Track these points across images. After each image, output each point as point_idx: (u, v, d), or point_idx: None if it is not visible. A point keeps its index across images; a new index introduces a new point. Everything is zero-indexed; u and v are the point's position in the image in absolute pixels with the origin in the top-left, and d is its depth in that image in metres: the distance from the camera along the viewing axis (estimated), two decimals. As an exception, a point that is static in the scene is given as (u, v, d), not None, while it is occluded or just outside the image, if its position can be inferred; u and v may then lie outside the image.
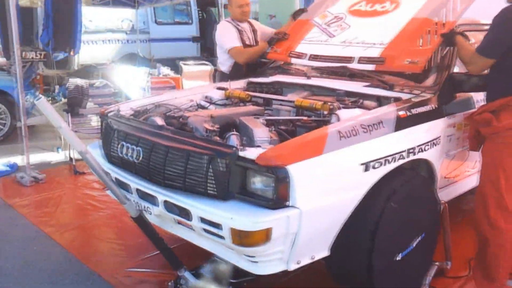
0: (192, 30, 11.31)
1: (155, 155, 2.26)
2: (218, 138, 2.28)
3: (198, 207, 2.05)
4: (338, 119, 2.45)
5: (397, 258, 2.32)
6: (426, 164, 2.58)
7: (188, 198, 2.12)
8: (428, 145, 2.48)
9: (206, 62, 7.36)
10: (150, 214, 2.34)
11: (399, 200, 2.27)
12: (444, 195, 2.83)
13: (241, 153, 2.02)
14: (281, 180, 1.92)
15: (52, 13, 5.33)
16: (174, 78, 6.63)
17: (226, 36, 3.99)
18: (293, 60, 3.47)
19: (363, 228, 2.19)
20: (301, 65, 3.47)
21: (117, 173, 2.48)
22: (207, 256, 2.62)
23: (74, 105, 5.06)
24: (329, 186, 2.07)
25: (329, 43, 3.34)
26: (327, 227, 2.11)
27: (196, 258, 2.58)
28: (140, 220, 2.35)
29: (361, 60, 3.03)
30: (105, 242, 3.41)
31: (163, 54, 9.65)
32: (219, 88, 3.34)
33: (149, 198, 2.31)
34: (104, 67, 8.28)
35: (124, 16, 9.97)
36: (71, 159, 5.10)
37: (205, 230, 2.07)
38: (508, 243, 2.36)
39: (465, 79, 2.73)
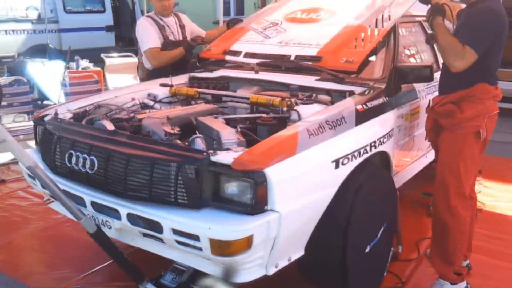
0: (106, 18, 10.70)
1: (113, 164, 2.06)
2: (179, 142, 2.14)
3: (170, 219, 1.91)
4: (299, 115, 2.42)
5: (367, 251, 2.37)
6: (382, 156, 2.65)
7: (156, 209, 1.96)
8: (385, 138, 2.54)
9: (130, 54, 6.96)
10: (110, 228, 2.14)
11: (366, 194, 2.31)
12: (396, 182, 2.93)
13: (212, 158, 1.91)
14: (259, 184, 1.85)
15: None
16: (95, 71, 6.21)
17: (143, 35, 3.76)
18: (228, 57, 3.40)
19: (335, 225, 2.19)
20: (235, 62, 3.38)
21: (65, 185, 2.24)
22: (165, 263, 2.49)
23: (-14, 106, 4.53)
24: (304, 186, 2.03)
25: (265, 43, 3.34)
26: (303, 227, 2.09)
27: (151, 266, 2.44)
28: (98, 235, 2.15)
29: (298, 58, 3.05)
30: (44, 256, 3.10)
31: (76, 45, 9.00)
32: (162, 85, 3.16)
33: (108, 211, 2.12)
34: (10, 60, 7.54)
35: (29, 3, 9.14)
36: (-14, 165, 4.58)
37: (179, 242, 1.94)
38: (466, 228, 2.51)
39: (409, 70, 2.83)
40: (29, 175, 2.49)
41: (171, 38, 3.79)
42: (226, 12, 14.07)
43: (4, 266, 2.98)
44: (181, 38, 3.86)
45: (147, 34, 3.72)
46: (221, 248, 1.82)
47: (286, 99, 2.50)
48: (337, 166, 2.16)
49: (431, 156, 3.69)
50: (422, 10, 3.93)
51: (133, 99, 2.95)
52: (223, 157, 1.90)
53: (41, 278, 2.87)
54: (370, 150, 2.39)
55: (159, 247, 2.11)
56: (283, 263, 2.06)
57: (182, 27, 3.92)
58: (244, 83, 3.08)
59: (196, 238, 1.86)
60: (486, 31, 2.33)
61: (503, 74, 7.21)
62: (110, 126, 2.34)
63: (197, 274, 2.50)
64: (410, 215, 3.62)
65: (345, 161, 2.20)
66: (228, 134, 2.09)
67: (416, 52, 3.57)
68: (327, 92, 2.77)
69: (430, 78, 2.77)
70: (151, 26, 3.74)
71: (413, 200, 3.94)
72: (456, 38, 2.36)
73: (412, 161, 3.28)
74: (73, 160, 2.20)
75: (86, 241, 3.01)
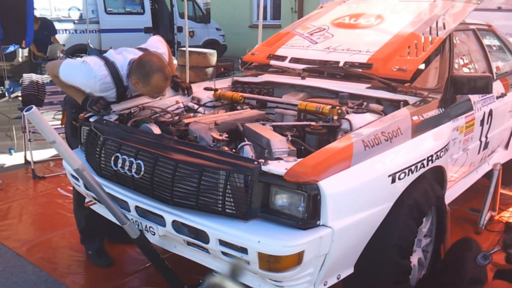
0: (145, 20, 10.82)
1: (160, 170, 2.00)
2: (227, 149, 2.07)
3: (217, 229, 1.83)
4: (350, 125, 2.32)
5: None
6: (436, 171, 2.50)
7: (203, 218, 1.89)
8: (442, 151, 2.40)
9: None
10: (154, 234, 2.09)
11: (419, 211, 2.18)
12: (446, 198, 2.78)
13: (264, 168, 1.82)
14: (312, 197, 1.75)
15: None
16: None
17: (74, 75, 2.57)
18: (272, 62, 3.31)
19: (388, 242, 2.06)
20: (280, 67, 3.28)
21: (110, 188, 2.20)
22: (202, 270, 2.42)
23: (30, 103, 4.58)
24: (358, 201, 1.92)
25: (311, 49, 3.23)
26: (355, 244, 1.97)
27: (188, 271, 2.37)
28: (141, 241, 2.10)
29: (347, 64, 2.93)
30: (82, 256, 3.08)
31: (115, 46, 9.11)
32: (206, 89, 3.11)
33: (153, 217, 2.06)
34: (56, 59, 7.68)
35: (72, 4, 9.32)
36: (28, 161, 4.64)
37: (225, 254, 1.85)
38: None
39: (466, 81, 2.69)
40: (72, 175, 2.47)
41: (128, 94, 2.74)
42: (263, 16, 14.07)
43: (42, 263, 2.98)
44: None
45: (76, 76, 2.56)
46: (270, 263, 1.73)
47: (337, 107, 2.40)
48: (393, 181, 2.04)
49: (481, 171, 3.51)
50: (476, 18, 3.79)
51: (177, 102, 2.91)
52: (275, 167, 1.81)
53: (78, 278, 2.86)
54: (427, 165, 2.25)
55: (203, 257, 2.03)
56: (332, 281, 1.95)
57: None
58: (290, 89, 2.99)
59: (244, 251, 1.77)
60: None
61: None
62: (156, 130, 2.29)
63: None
64: (457, 232, 3.44)
65: (402, 175, 2.08)
66: (279, 143, 2.00)
67: (469, 61, 3.40)
68: (378, 101, 2.65)
69: (487, 90, 2.62)
70: (95, 86, 2.52)
71: (459, 218, 3.76)
72: None
73: (464, 176, 3.12)
74: (119, 163, 2.15)
75: (125, 244, 3.03)
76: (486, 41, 3.78)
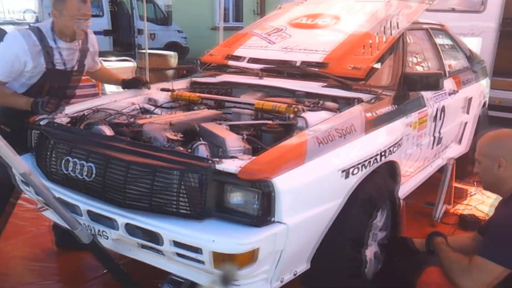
0: (103, 23, 10.62)
1: (112, 172, 1.95)
2: (182, 149, 2.04)
3: (171, 230, 1.81)
4: (306, 123, 2.34)
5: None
6: (389, 165, 2.56)
7: (156, 220, 1.85)
8: (395, 147, 2.46)
9: (129, 58, 6.88)
10: (107, 238, 2.03)
11: (373, 205, 2.22)
12: (401, 192, 2.85)
13: (218, 166, 1.81)
14: (266, 194, 1.75)
15: None
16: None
17: (4, 59, 2.54)
18: (231, 63, 3.31)
19: (342, 237, 2.09)
20: (239, 67, 3.28)
21: (60, 192, 2.13)
22: (162, 274, 2.39)
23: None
24: (312, 197, 1.93)
25: (269, 49, 3.24)
26: (310, 240, 1.99)
27: (147, 276, 2.33)
28: (94, 247, 2.04)
29: (304, 64, 2.96)
30: (35, 266, 2.95)
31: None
32: (162, 90, 3.07)
33: (105, 221, 2.01)
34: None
35: (27, 6, 9.06)
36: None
37: (179, 255, 1.83)
38: None
39: (418, 78, 2.76)
40: (22, 181, 2.38)
41: (58, 67, 2.63)
42: (225, 18, 14.05)
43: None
44: (75, 68, 2.73)
45: (4, 58, 2.53)
46: (225, 262, 1.72)
47: (293, 106, 2.41)
48: (346, 176, 2.06)
49: (436, 165, 3.62)
50: (429, 17, 3.91)
51: (133, 103, 2.85)
52: (229, 166, 1.80)
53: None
54: (380, 160, 2.29)
55: (158, 259, 2.00)
56: (288, 277, 1.96)
57: (83, 51, 2.78)
58: (248, 89, 2.99)
59: (198, 251, 1.75)
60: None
61: (500, 84, 7.28)
62: (109, 132, 2.23)
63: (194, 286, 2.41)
64: (413, 225, 3.52)
65: (355, 170, 2.11)
66: (234, 141, 1.99)
67: (423, 59, 3.50)
68: (334, 99, 2.68)
69: (438, 86, 2.70)
70: (23, 47, 2.50)
71: (416, 212, 3.85)
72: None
73: (418, 170, 3.20)
74: (70, 166, 2.09)
75: (80, 250, 2.94)
76: (439, 40, 3.90)
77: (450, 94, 3.47)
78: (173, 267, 1.98)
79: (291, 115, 2.37)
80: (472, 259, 1.88)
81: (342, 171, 2.04)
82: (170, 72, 7.40)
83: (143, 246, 1.97)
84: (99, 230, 2.04)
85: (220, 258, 1.72)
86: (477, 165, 2.10)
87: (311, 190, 1.92)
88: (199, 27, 13.88)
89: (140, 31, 11.15)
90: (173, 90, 2.95)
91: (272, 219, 1.78)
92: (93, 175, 2.01)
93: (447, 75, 3.62)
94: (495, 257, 1.83)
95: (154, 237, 1.85)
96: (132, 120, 2.46)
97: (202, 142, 2.03)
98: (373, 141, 2.31)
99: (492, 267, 1.82)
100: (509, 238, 1.85)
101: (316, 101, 2.62)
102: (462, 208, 3.97)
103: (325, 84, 2.80)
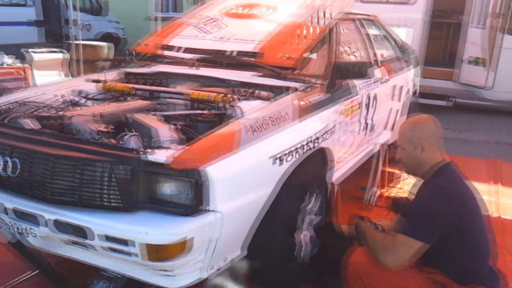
0: (32, 13, 10.05)
1: (38, 167, 1.86)
2: (113, 141, 1.98)
3: (101, 224, 1.76)
4: (241, 112, 2.34)
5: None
6: (322, 152, 2.63)
7: (86, 215, 1.80)
8: (327, 133, 2.52)
9: (57, 50, 6.57)
10: (35, 236, 1.95)
11: (306, 190, 2.27)
12: (336, 177, 2.94)
13: (149, 157, 1.78)
14: (199, 183, 1.75)
15: None
16: (21, 67, 5.79)
17: None
18: (166, 53, 3.26)
19: (276, 222, 2.13)
20: (174, 58, 3.24)
21: (-18, 190, 2.01)
22: (95, 271, 2.33)
23: None
24: (246, 184, 1.96)
25: (205, 39, 3.23)
26: (243, 227, 2.01)
27: (80, 273, 2.26)
28: (20, 245, 1.95)
29: (239, 54, 2.98)
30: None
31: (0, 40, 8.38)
32: (94, 81, 2.96)
33: (32, 218, 1.92)
34: None
35: None
36: None
37: (112, 249, 1.79)
38: None
39: (349, 67, 2.85)
40: None
41: None
42: (165, 8, 13.76)
43: None
44: None
45: None
46: (158, 253, 1.71)
47: (228, 96, 2.41)
48: (280, 163, 2.10)
49: (369, 152, 3.76)
50: (360, 9, 4.03)
51: (62, 96, 2.73)
52: (160, 156, 1.78)
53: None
54: (313, 146, 2.35)
55: (90, 255, 1.94)
56: (221, 264, 1.97)
57: None
58: (183, 80, 2.95)
59: (130, 244, 1.72)
60: (432, 215, 1.97)
61: (431, 73, 7.67)
62: (35, 125, 2.13)
63: (131, 281, 2.36)
64: (349, 209, 3.64)
65: (288, 157, 2.15)
66: (166, 132, 1.97)
67: (355, 49, 3.61)
68: (269, 88, 2.71)
69: (368, 75, 2.80)
70: None
71: (351, 196, 3.99)
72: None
73: (352, 157, 3.31)
74: (-8, 162, 1.97)
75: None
76: (371, 31, 4.04)
77: (381, 82, 3.61)
78: (107, 262, 1.94)
79: (226, 105, 2.37)
80: (395, 238, 1.98)
81: (275, 158, 2.07)
82: (106, 64, 7.15)
83: (74, 243, 1.90)
84: (26, 228, 1.95)
85: (153, 250, 1.70)
86: (400, 151, 2.20)
87: (244, 177, 1.94)
88: (137, 18, 13.47)
89: (74, 22, 10.67)
90: (105, 81, 2.86)
91: (206, 208, 1.78)
92: (18, 171, 1.91)
93: (379, 64, 3.76)
94: (415, 234, 1.94)
95: (84, 233, 1.80)
96: (60, 113, 2.36)
97: (133, 133, 1.98)
98: (306, 128, 2.36)
99: (412, 243, 1.93)
100: (426, 216, 1.97)
101: (251, 91, 2.64)
102: (395, 192, 4.16)
103: (260, 73, 2.83)
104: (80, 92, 2.83)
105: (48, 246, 2.03)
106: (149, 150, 1.79)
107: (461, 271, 2.01)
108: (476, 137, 6.38)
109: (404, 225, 2.04)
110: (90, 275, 2.30)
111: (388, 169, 4.24)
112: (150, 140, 1.94)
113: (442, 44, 8.61)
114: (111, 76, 3.05)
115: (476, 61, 7.12)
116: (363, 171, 4.26)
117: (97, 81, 2.93)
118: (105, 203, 1.80)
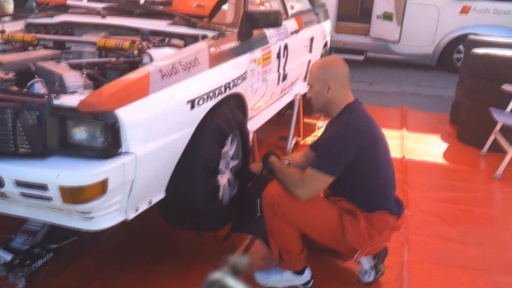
0: None
1: None
2: (16, 88, 1.92)
3: (11, 170, 1.73)
4: (151, 59, 2.35)
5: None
6: (236, 98, 2.71)
7: (-7, 162, 1.76)
8: (239, 80, 2.60)
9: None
10: None
11: (221, 133, 2.36)
12: (252, 125, 3.06)
13: (56, 102, 1.75)
14: (110, 126, 1.76)
15: None
16: None
17: None
18: (70, 2, 3.12)
19: (193, 165, 2.21)
20: (79, 7, 3.11)
21: None
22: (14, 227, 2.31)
23: None
24: (159, 127, 1.99)
25: None
26: (161, 169, 2.06)
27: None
28: None
29: (148, 2, 2.94)
30: None
31: None
32: (-10, 32, 2.78)
33: None
34: None
35: None
36: None
37: (24, 195, 1.77)
38: None
39: (260, 16, 2.91)
40: None
41: None
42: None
43: None
44: None
45: None
46: (73, 195, 1.72)
47: (137, 42, 2.39)
48: (192, 107, 2.15)
49: (284, 101, 3.92)
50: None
51: (-46, 48, 2.55)
52: (68, 100, 1.76)
53: None
54: (225, 91, 2.43)
55: (4, 205, 1.91)
56: (144, 207, 2.03)
57: None
58: (90, 29, 2.86)
59: (43, 188, 1.72)
60: (338, 150, 2.13)
61: (343, 28, 7.95)
62: None
63: (52, 233, 2.36)
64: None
65: (201, 101, 2.21)
66: (73, 77, 1.94)
67: (265, 0, 3.68)
68: (180, 37, 2.72)
69: (278, 23, 2.89)
70: None
71: (271, 145, 4.17)
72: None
73: (266, 105, 3.44)
74: None
75: None
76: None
77: (292, 33, 3.73)
78: (22, 210, 1.91)
79: (136, 52, 2.36)
80: (304, 171, 2.15)
81: (187, 102, 2.12)
82: (5, 19, 6.59)
83: (-17, 193, 1.85)
84: None
85: (67, 192, 1.71)
86: (310, 90, 2.34)
87: (158, 120, 1.98)
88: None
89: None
90: (3, 31, 2.69)
91: (119, 150, 1.81)
92: None
93: (289, 15, 3.87)
94: (321, 167, 2.11)
95: (-7, 180, 1.76)
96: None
97: (38, 80, 1.93)
98: (218, 74, 2.42)
99: (319, 176, 2.11)
100: (331, 150, 2.15)
101: (162, 39, 2.63)
102: (311, 140, 4.40)
103: (170, 22, 2.81)
104: (-24, 43, 2.65)
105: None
106: (54, 95, 1.76)
107: (366, 199, 2.23)
108: (385, 88, 6.82)
109: (314, 159, 2.21)
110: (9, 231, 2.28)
111: (304, 120, 4.46)
112: (54, 86, 1.90)
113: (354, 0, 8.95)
114: (9, 28, 2.88)
115: (385, 16, 7.51)
116: (280, 123, 4.46)
117: (-5, 32, 2.76)
118: (14, 150, 1.76)
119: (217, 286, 0.63)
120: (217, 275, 0.65)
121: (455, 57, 7.54)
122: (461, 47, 7.19)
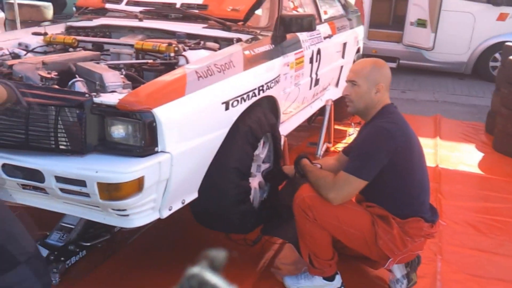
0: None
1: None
2: (58, 87, 1.98)
3: (52, 165, 1.78)
4: (187, 61, 2.39)
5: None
6: (269, 101, 2.72)
7: (35, 158, 1.81)
8: (272, 83, 2.61)
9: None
10: (-17, 183, 1.94)
11: (254, 136, 2.37)
12: (283, 129, 3.06)
13: (96, 100, 1.80)
14: (148, 125, 1.79)
15: None
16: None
17: None
18: (108, 6, 3.20)
19: (228, 166, 2.22)
20: (117, 10, 3.18)
21: None
22: (50, 223, 2.37)
23: None
24: (195, 128, 2.02)
25: None
26: (195, 169, 2.08)
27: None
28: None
29: (184, 6, 2.99)
30: None
31: None
32: (34, 34, 2.88)
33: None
34: None
35: None
36: None
37: (63, 191, 1.82)
38: None
39: (293, 20, 2.92)
40: None
41: None
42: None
43: None
44: None
45: None
46: (110, 192, 1.75)
47: (173, 45, 2.44)
48: (226, 108, 2.17)
49: (315, 106, 3.90)
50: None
51: (0, 48, 2.65)
52: (108, 98, 1.81)
53: None
54: (258, 94, 2.44)
55: (43, 200, 1.96)
56: (177, 206, 2.05)
57: None
58: (128, 32, 2.94)
59: (82, 183, 1.76)
60: (372, 154, 2.10)
61: (376, 34, 7.87)
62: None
63: (85, 232, 2.41)
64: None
65: (235, 103, 2.22)
66: (112, 77, 1.98)
67: (299, 5, 3.69)
68: (215, 40, 2.75)
69: (311, 28, 2.88)
70: None
71: (301, 151, 4.14)
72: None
73: (298, 110, 3.43)
74: None
75: None
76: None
77: (325, 37, 3.72)
78: (60, 206, 1.97)
79: (172, 54, 2.40)
80: (337, 175, 2.13)
81: (222, 103, 2.14)
82: (47, 24, 6.82)
83: (25, 187, 1.91)
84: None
85: (105, 189, 1.75)
86: (352, 87, 2.22)
87: (193, 120, 2.01)
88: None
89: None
90: (45, 34, 2.79)
91: (156, 149, 1.84)
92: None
93: (322, 20, 3.86)
94: (355, 171, 2.09)
95: (35, 175, 1.82)
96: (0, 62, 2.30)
97: (79, 79, 1.99)
98: (252, 77, 2.44)
99: (352, 180, 2.09)
100: (365, 153, 2.13)
101: (197, 42, 2.67)
102: (341, 146, 4.36)
103: (205, 25, 2.85)
104: (20, 44, 2.75)
105: (-2, 194, 2.02)
106: (95, 94, 1.81)
107: (400, 205, 2.18)
108: (418, 96, 6.71)
109: (347, 163, 2.18)
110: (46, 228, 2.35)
111: (335, 126, 4.43)
112: (95, 85, 1.96)
113: (387, 6, 8.85)
114: (52, 30, 2.98)
115: (418, 23, 7.40)
116: (311, 129, 4.44)
117: (37, 34, 2.86)
118: (54, 146, 1.81)
119: (195, 281, 0.61)
120: (195, 269, 0.62)
121: (490, 65, 7.36)
122: (497, 55, 7.00)
